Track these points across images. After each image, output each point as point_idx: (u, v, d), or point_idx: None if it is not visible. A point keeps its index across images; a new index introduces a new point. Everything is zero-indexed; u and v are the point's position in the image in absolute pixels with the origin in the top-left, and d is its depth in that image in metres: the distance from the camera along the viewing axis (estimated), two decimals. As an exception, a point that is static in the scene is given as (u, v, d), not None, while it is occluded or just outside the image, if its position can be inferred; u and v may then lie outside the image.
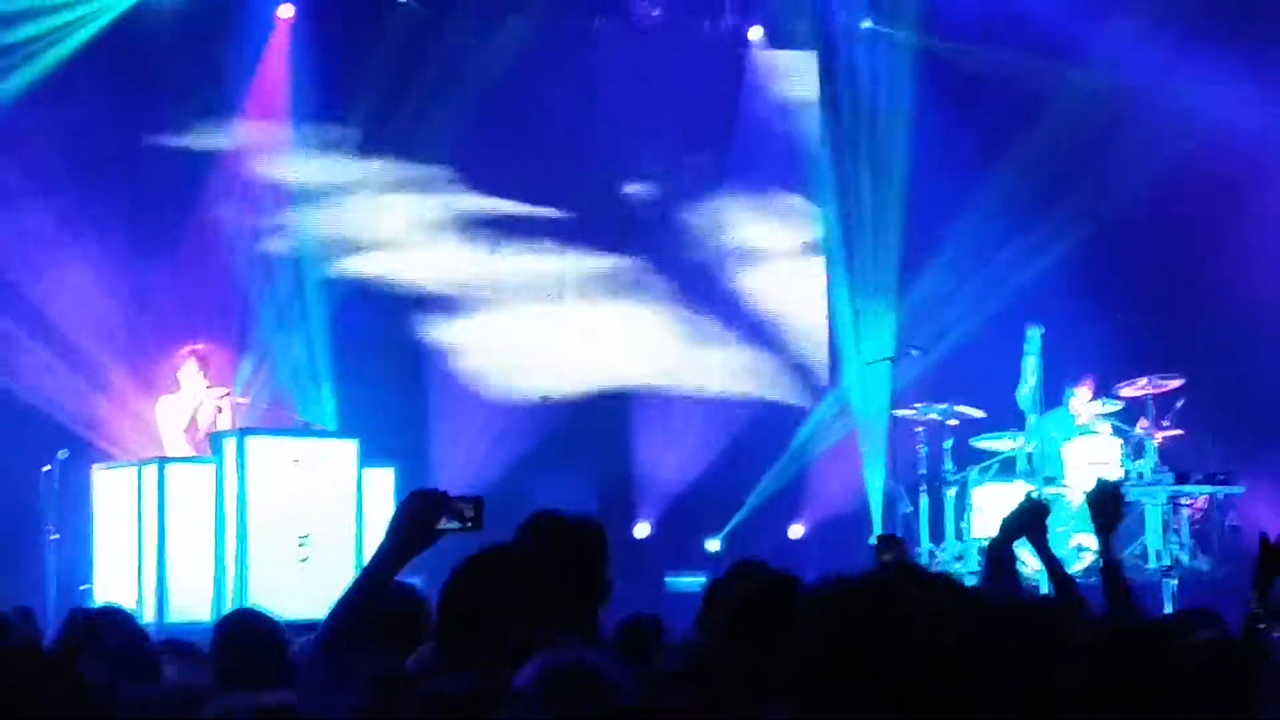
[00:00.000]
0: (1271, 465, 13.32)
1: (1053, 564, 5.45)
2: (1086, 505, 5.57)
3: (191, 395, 11.98)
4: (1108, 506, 5.44)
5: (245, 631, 5.53)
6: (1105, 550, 5.57)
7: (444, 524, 4.00)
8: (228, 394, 12.06)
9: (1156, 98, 14.39)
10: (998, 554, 5.23)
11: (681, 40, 15.64)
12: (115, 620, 5.03)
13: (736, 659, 3.48)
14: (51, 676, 1.15)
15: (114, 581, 11.02)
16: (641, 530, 14.68)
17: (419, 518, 3.99)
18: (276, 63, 14.55)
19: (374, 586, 4.01)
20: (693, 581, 12.91)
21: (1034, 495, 5.70)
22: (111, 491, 11.40)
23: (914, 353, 14.46)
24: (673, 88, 15.39)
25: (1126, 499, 5.48)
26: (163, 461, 11.23)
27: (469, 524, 4.03)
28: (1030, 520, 5.31)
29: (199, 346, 12.20)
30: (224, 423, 11.80)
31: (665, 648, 5.31)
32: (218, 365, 12.33)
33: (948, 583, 4.12)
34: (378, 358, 14.52)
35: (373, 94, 14.54)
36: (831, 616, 2.79)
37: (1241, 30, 14.15)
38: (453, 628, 3.77)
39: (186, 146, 14.09)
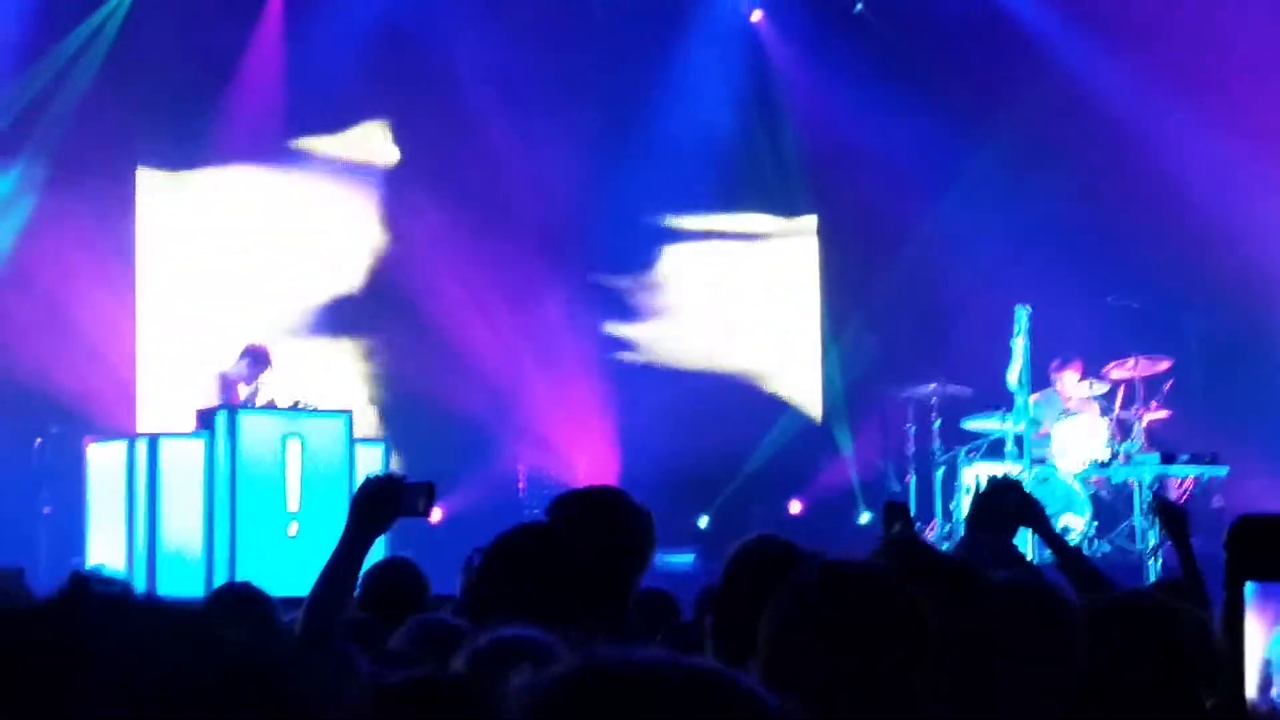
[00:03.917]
0: (1257, 446, 13.38)
1: (1058, 543, 5.32)
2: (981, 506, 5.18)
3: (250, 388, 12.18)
4: (1003, 503, 5.12)
5: (238, 606, 5.57)
6: (1053, 542, 5.29)
7: (398, 511, 4.11)
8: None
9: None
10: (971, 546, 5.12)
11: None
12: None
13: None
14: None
15: (106, 555, 11.08)
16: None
17: (374, 505, 4.09)
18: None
19: (340, 576, 4.08)
20: (682, 560, 12.96)
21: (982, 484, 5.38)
22: (104, 466, 11.46)
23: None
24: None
25: (1021, 492, 5.21)
26: (155, 436, 11.29)
27: (419, 511, 4.15)
28: (1002, 507, 5.16)
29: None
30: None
31: (676, 628, 5.35)
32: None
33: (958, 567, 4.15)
34: (369, 337, 14.61)
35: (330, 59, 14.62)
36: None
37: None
38: (482, 607, 3.79)
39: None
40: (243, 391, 12.01)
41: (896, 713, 2.67)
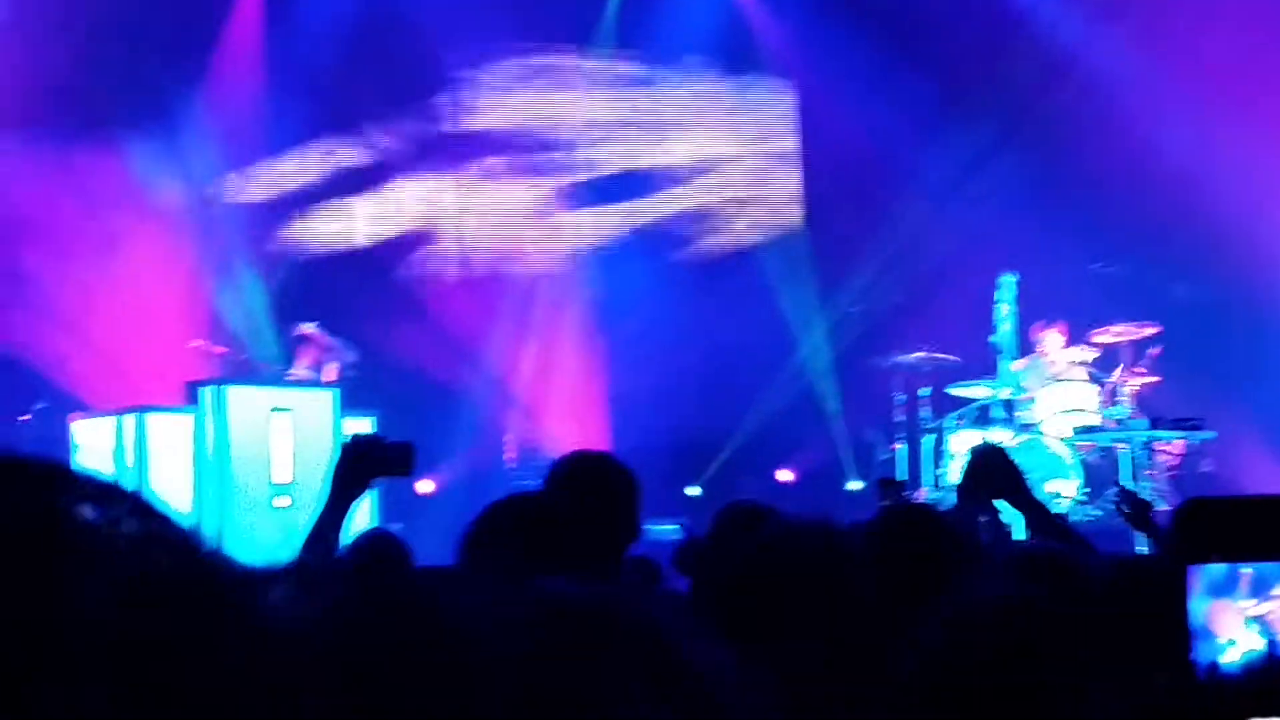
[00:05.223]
0: (1245, 410, 13.40)
1: (1040, 512, 5.24)
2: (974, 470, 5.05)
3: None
4: (995, 471, 5.01)
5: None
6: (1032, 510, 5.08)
7: (378, 470, 4.14)
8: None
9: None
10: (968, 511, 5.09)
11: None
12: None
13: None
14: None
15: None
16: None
17: (354, 466, 4.09)
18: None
19: (322, 537, 4.06)
20: (670, 529, 12.92)
21: (976, 448, 5.32)
22: (90, 443, 11.38)
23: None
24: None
25: (1008, 458, 5.17)
26: (142, 410, 11.22)
27: (399, 470, 4.16)
28: (991, 472, 5.11)
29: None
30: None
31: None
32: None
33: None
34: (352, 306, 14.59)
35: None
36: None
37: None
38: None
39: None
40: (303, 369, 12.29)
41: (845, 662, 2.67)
